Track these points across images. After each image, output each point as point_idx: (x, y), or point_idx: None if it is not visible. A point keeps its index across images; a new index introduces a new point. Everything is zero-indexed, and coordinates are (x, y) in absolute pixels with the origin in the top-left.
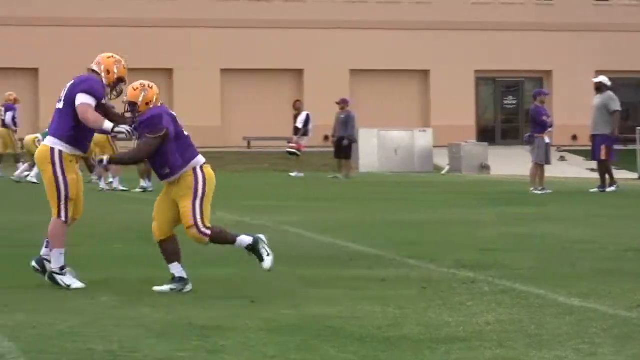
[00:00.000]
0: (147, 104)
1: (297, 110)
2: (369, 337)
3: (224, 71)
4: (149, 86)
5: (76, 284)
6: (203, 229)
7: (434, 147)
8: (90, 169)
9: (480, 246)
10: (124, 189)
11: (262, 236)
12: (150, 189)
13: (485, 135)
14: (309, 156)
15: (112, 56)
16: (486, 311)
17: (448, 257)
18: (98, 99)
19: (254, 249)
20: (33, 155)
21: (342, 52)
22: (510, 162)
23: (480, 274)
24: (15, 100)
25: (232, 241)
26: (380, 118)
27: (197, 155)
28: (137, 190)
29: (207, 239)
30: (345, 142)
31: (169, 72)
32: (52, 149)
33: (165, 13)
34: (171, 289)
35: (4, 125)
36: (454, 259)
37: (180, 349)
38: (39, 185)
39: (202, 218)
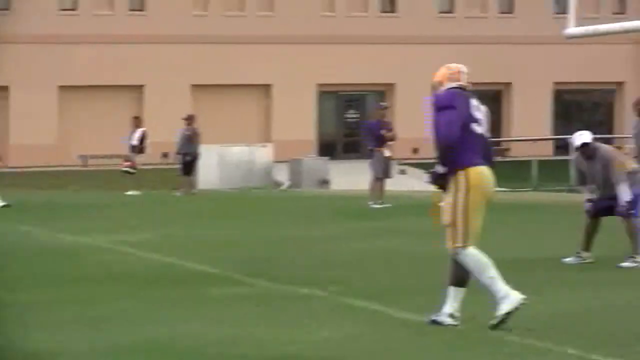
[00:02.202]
0: None
1: (136, 127)
2: (203, 356)
3: (62, 88)
4: None
5: None
6: None
7: (275, 162)
8: None
9: (318, 262)
10: None
11: None
12: None
13: (327, 149)
14: (147, 173)
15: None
16: (322, 328)
17: (286, 274)
18: None
19: None
20: None
21: (183, 67)
22: (352, 177)
23: (317, 290)
24: None
25: None
26: (222, 134)
27: None
28: None
29: None
30: (188, 158)
31: (4, 89)
32: None
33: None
34: None
35: None
36: (291, 276)
37: None
38: None
39: None
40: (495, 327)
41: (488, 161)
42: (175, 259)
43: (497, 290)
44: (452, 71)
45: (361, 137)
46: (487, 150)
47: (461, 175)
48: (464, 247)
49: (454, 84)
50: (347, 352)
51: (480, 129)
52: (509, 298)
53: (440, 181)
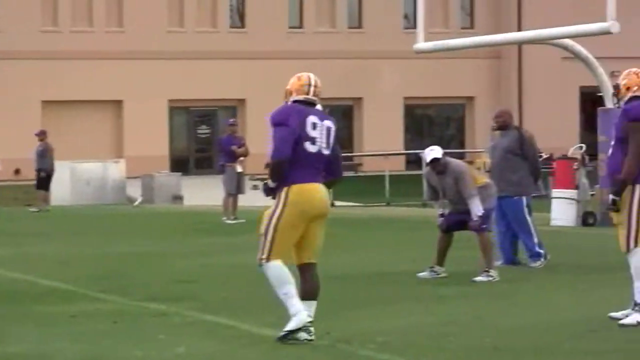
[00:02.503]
0: None
1: None
2: None
3: None
4: None
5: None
6: None
7: (128, 178)
8: None
9: (173, 278)
10: None
11: None
12: None
13: (179, 165)
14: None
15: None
16: (177, 343)
17: (140, 290)
18: None
19: None
20: None
21: (33, 83)
22: (204, 192)
23: (172, 306)
24: None
25: None
26: (74, 150)
27: None
28: None
29: None
30: (42, 174)
31: None
32: None
33: None
34: None
35: None
36: (146, 292)
37: None
38: None
39: None
40: (280, 340)
41: (334, 177)
42: (29, 275)
43: (290, 306)
44: (302, 82)
45: (213, 152)
46: (334, 166)
47: (284, 191)
48: (267, 259)
49: (300, 97)
50: None
51: (314, 147)
52: (297, 317)
53: (272, 194)
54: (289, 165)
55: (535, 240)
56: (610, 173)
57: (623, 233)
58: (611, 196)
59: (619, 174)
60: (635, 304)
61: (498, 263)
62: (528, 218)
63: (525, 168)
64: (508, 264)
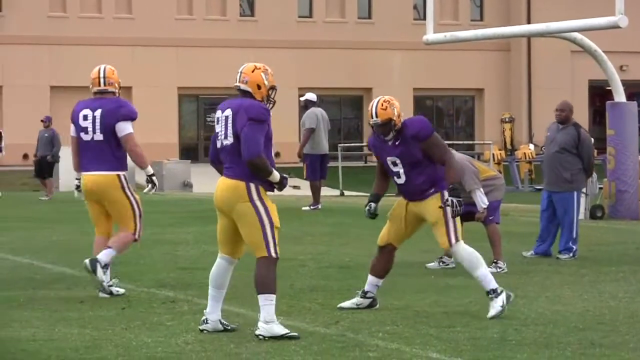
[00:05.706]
0: None
1: None
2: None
3: None
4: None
5: None
6: None
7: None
8: None
9: (181, 265)
10: None
11: None
12: None
13: (188, 152)
14: (6, 175)
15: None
16: (186, 331)
17: (148, 277)
18: None
19: None
20: None
21: (44, 68)
22: (214, 180)
23: (181, 293)
24: None
25: None
26: None
27: None
28: None
29: None
30: (50, 159)
31: None
32: None
33: None
34: None
35: None
36: (154, 279)
37: None
38: None
39: None
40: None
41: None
42: (37, 261)
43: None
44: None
45: None
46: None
47: None
48: None
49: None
50: (212, 354)
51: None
52: None
53: None
54: None
55: (574, 235)
56: (417, 194)
57: (442, 231)
58: (455, 199)
59: (427, 191)
60: (493, 291)
61: (529, 253)
62: (576, 215)
63: (579, 165)
64: (541, 255)
